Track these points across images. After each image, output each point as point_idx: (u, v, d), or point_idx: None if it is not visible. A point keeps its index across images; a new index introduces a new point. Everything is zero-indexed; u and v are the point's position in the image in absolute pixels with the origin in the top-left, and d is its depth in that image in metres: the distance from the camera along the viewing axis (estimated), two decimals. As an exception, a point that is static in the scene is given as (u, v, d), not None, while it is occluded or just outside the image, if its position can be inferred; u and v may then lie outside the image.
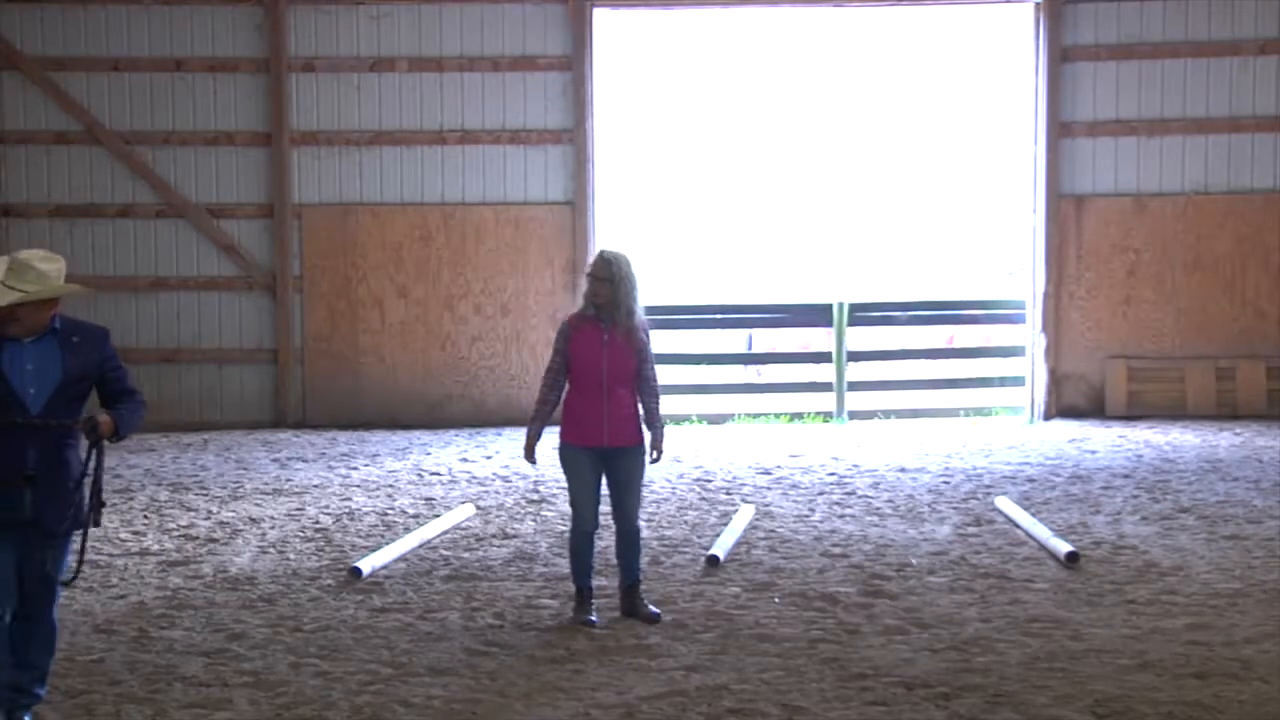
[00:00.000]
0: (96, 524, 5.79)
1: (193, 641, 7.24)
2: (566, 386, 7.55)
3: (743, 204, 24.24)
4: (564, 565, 8.62)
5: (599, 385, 7.36)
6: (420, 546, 9.28)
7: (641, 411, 7.54)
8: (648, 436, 7.58)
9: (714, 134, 23.41)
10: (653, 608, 7.58)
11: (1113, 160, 15.41)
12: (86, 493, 5.74)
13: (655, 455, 7.60)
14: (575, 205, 15.54)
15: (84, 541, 5.89)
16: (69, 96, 15.56)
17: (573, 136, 15.49)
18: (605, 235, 15.84)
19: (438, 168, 15.64)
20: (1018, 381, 15.90)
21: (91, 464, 5.70)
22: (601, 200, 15.86)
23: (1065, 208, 15.44)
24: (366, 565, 8.63)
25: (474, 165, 15.64)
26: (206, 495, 11.39)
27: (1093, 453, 13.14)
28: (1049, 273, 15.48)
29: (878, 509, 10.55)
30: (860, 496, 11.07)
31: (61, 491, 5.69)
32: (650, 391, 7.56)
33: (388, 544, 9.31)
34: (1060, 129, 15.35)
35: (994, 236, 20.97)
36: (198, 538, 9.74)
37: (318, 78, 15.59)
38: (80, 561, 5.96)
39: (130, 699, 6.33)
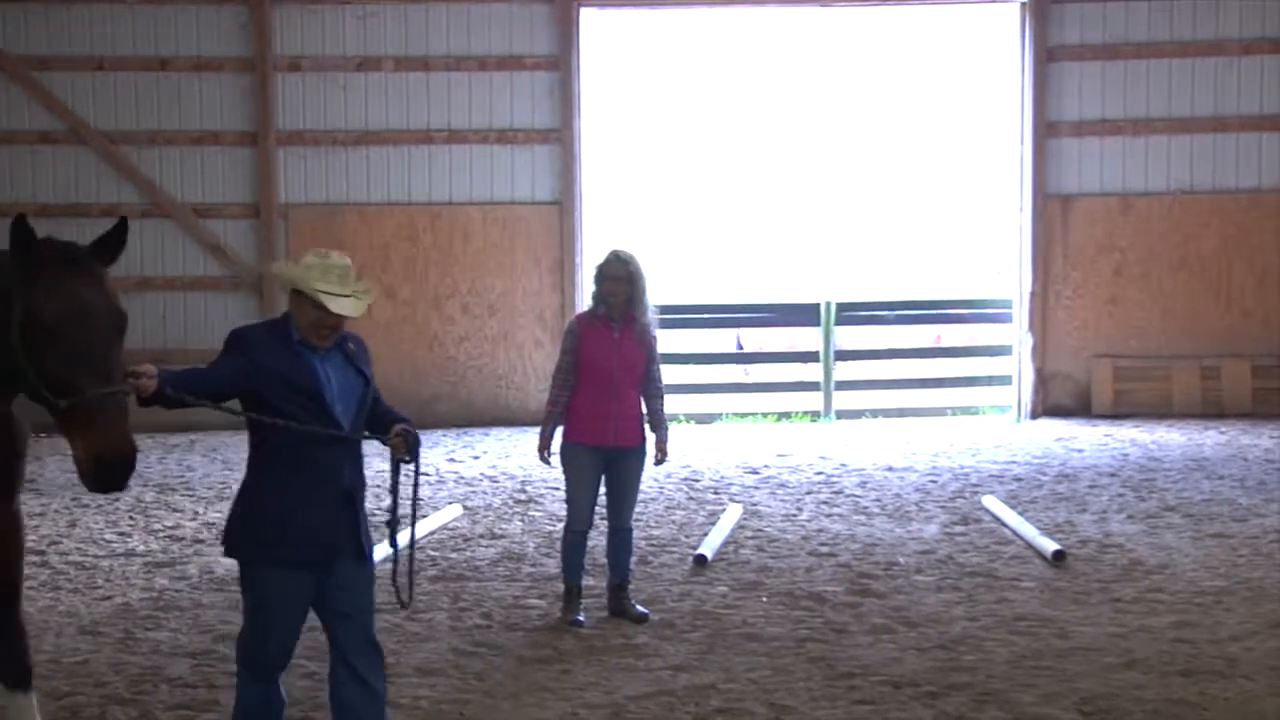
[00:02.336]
0: (393, 545, 5.36)
1: (179, 643, 7.22)
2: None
3: (730, 203, 24.26)
4: (552, 566, 8.62)
5: (609, 385, 7.33)
6: (406, 548, 9.24)
7: (646, 412, 7.53)
8: (650, 438, 7.58)
9: (701, 134, 23.43)
10: (640, 607, 7.58)
11: (1098, 160, 15.46)
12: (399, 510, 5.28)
13: (661, 457, 7.60)
14: (562, 205, 15.53)
15: (411, 564, 5.43)
16: (53, 96, 15.51)
17: (560, 136, 15.48)
18: (592, 235, 15.84)
19: (425, 168, 15.62)
20: (1004, 381, 15.94)
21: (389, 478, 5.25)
22: (589, 200, 15.86)
23: (1051, 207, 15.48)
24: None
25: (461, 165, 15.62)
26: (193, 496, 11.35)
27: (1079, 451, 13.17)
28: (1035, 272, 15.52)
29: (865, 508, 10.56)
30: (848, 495, 11.08)
31: (361, 513, 5.16)
32: (656, 392, 7.56)
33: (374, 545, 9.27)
34: (1046, 129, 15.39)
35: (980, 236, 21.02)
36: (184, 539, 9.71)
37: (304, 77, 15.56)
38: (411, 584, 5.47)
39: (116, 700, 6.30)
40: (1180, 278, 15.45)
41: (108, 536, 9.78)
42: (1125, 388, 15.42)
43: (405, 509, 5.30)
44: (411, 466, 5.20)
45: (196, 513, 10.64)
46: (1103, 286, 15.52)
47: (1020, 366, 15.67)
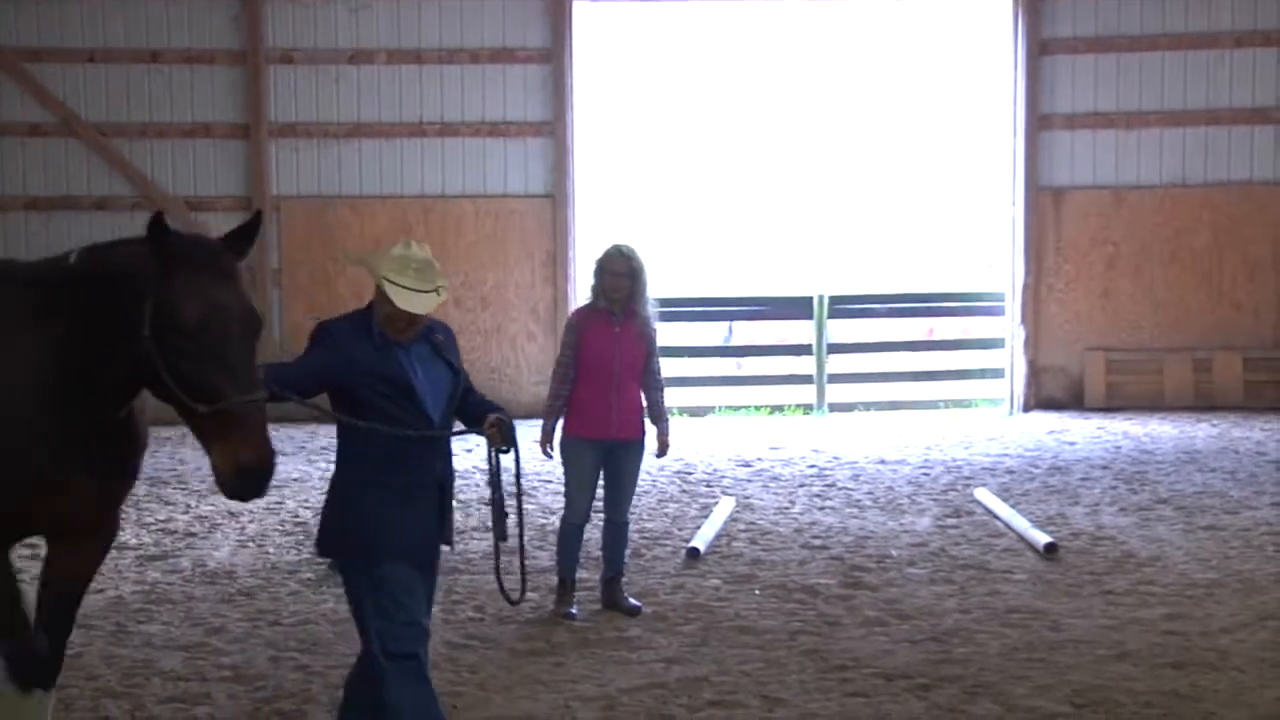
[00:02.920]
0: (503, 537, 5.22)
1: (171, 636, 7.21)
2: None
3: (723, 196, 24.24)
4: (544, 558, 8.61)
5: (610, 379, 7.33)
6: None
7: (646, 405, 7.54)
8: (650, 431, 7.59)
9: (694, 127, 23.40)
10: (633, 600, 7.59)
11: (1091, 153, 15.46)
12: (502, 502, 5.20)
13: (663, 449, 7.61)
14: (555, 198, 15.51)
15: (521, 557, 5.39)
16: (44, 88, 15.45)
17: (553, 129, 15.46)
18: (585, 228, 15.82)
19: (417, 160, 15.60)
20: (997, 374, 15.96)
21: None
22: (582, 193, 15.84)
23: (1044, 200, 15.49)
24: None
25: (454, 158, 15.60)
26: (185, 489, 11.34)
27: (1071, 444, 13.19)
28: (1028, 265, 15.53)
29: (858, 501, 10.57)
30: (840, 489, 11.09)
31: (449, 509, 5.13)
32: (656, 385, 7.57)
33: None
34: (1039, 122, 15.39)
35: (973, 229, 21.03)
36: (176, 532, 9.69)
37: (296, 70, 15.52)
38: (524, 579, 5.40)
39: (108, 694, 6.30)
40: (1172, 271, 15.47)
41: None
42: (1117, 380, 15.45)
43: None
44: (510, 456, 5.08)
45: (189, 506, 10.62)
46: (1095, 279, 15.54)
47: (1012, 359, 15.68)
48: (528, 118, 15.50)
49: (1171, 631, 7.03)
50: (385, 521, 4.83)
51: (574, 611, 7.46)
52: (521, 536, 5.30)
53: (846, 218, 24.38)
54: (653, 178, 23.67)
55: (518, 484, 5.15)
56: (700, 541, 8.99)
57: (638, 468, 7.63)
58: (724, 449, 13.02)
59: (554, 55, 15.39)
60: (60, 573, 4.96)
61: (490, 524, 5.21)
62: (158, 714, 6.06)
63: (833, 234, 24.42)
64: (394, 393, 4.87)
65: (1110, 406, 15.22)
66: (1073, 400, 15.46)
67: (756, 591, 7.96)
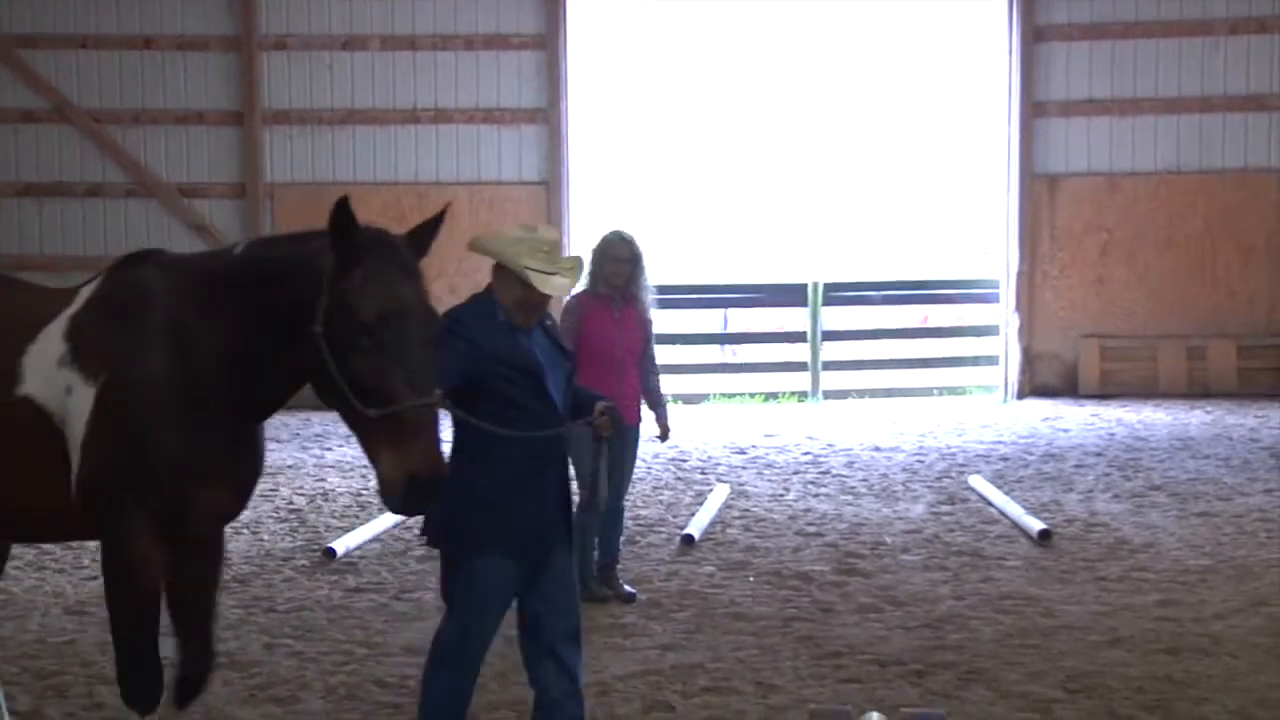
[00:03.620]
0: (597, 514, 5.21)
1: (165, 623, 7.19)
2: None
3: (718, 184, 24.22)
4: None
5: (613, 364, 7.31)
6: (394, 527, 9.25)
7: (643, 390, 7.54)
8: (647, 417, 7.60)
9: (688, 114, 23.37)
10: (628, 587, 7.59)
11: (1085, 140, 15.46)
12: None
13: (664, 434, 7.62)
14: (549, 185, 15.49)
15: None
16: (37, 74, 15.41)
17: (547, 116, 15.44)
18: (580, 215, 15.81)
19: (411, 147, 15.57)
20: (991, 361, 15.97)
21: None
22: (576, 180, 15.82)
23: (1039, 187, 15.49)
24: (340, 546, 8.60)
25: (448, 145, 15.57)
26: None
27: (1065, 431, 13.21)
28: (1022, 252, 15.53)
29: (852, 488, 10.58)
30: (835, 475, 11.10)
31: (570, 499, 5.02)
32: (653, 370, 7.59)
33: (362, 525, 9.28)
34: (1034, 109, 15.38)
35: (968, 216, 21.03)
36: (170, 519, 9.68)
37: (289, 56, 15.48)
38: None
39: (103, 680, 6.29)
40: (1167, 258, 15.48)
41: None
42: (1112, 368, 15.46)
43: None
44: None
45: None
46: (1089, 266, 15.54)
47: (1007, 346, 15.69)
48: (522, 104, 15.48)
49: (1164, 617, 7.05)
50: (495, 509, 4.76)
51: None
52: (611, 523, 5.45)
53: (841, 205, 24.36)
54: (647, 165, 23.64)
55: (597, 469, 5.22)
56: (695, 528, 9.00)
57: (635, 453, 7.64)
58: (719, 436, 13.03)
59: (548, 42, 15.36)
60: (190, 586, 4.70)
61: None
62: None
63: (828, 221, 24.41)
64: (521, 379, 4.76)
65: (1104, 393, 15.24)
66: (1067, 387, 15.48)
67: (751, 578, 7.97)
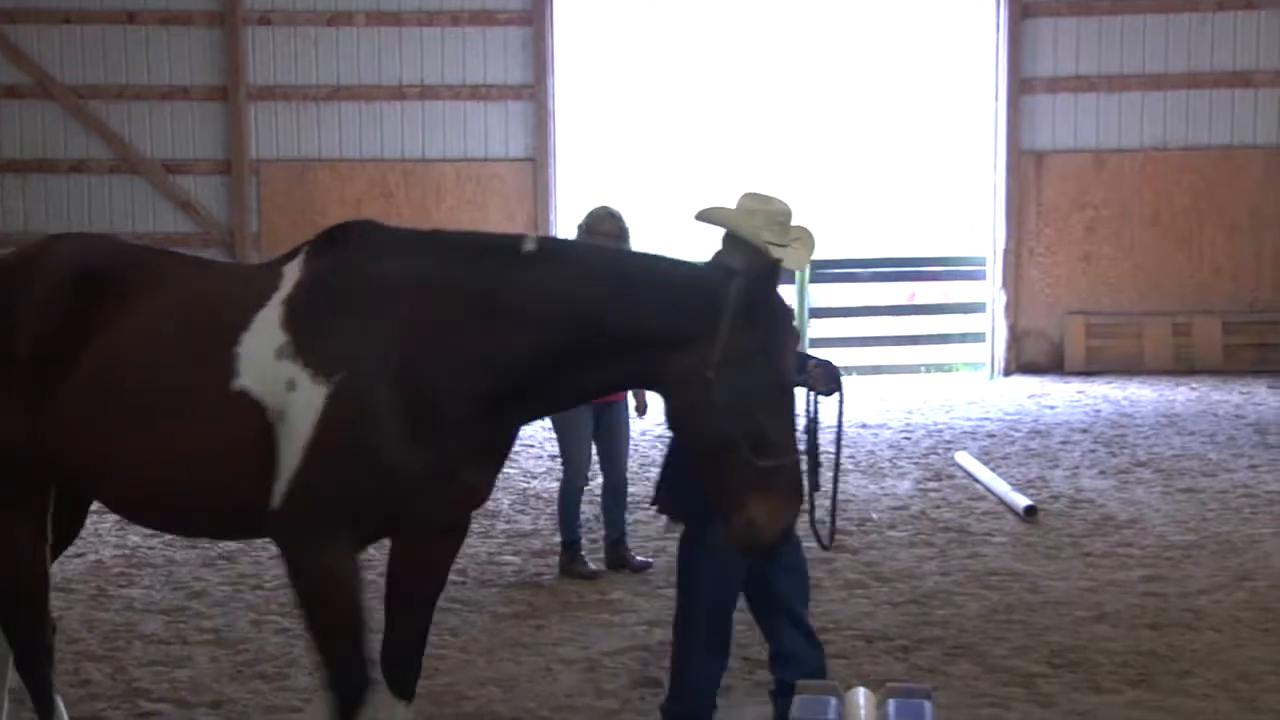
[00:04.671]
0: (817, 487, 4.99)
1: (152, 600, 7.21)
2: None
3: (705, 161, 24.15)
4: (525, 522, 8.63)
5: None
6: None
7: None
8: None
9: (676, 90, 23.30)
10: (641, 557, 7.64)
11: (1072, 116, 15.46)
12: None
13: (641, 409, 7.69)
14: (536, 161, 15.45)
15: (834, 504, 5.34)
16: (19, 49, 15.30)
17: (533, 92, 15.38)
18: (567, 192, 15.77)
19: (397, 124, 15.51)
20: (978, 338, 16.00)
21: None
22: (563, 156, 15.78)
23: (1025, 164, 15.49)
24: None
25: (434, 121, 15.51)
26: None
27: (1052, 408, 13.24)
28: (1009, 229, 15.54)
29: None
30: (821, 452, 11.09)
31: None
32: None
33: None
34: (1021, 85, 15.37)
35: (955, 193, 21.03)
36: (157, 496, 9.66)
37: (274, 31, 15.39)
38: (833, 523, 5.32)
39: (89, 657, 6.29)
40: (1153, 234, 15.50)
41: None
42: (1097, 344, 15.50)
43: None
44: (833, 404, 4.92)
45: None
46: (1076, 243, 15.56)
47: (994, 323, 15.72)
48: (508, 80, 15.42)
49: (1149, 593, 7.09)
50: None
51: (594, 568, 7.50)
52: (836, 484, 5.22)
53: (828, 182, 24.33)
54: (634, 141, 23.58)
55: (839, 430, 4.99)
56: None
57: (627, 427, 7.74)
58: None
59: (535, 17, 15.29)
60: (419, 570, 4.59)
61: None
62: (139, 677, 6.05)
63: (814, 198, 24.40)
64: None
65: (1090, 370, 15.28)
66: (1053, 364, 15.52)
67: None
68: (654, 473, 10.32)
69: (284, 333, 4.15)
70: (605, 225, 7.35)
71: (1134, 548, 8.02)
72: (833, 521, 5.22)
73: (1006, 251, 15.56)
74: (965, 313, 16.45)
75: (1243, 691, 5.67)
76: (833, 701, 5.15)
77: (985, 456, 10.73)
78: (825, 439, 5.12)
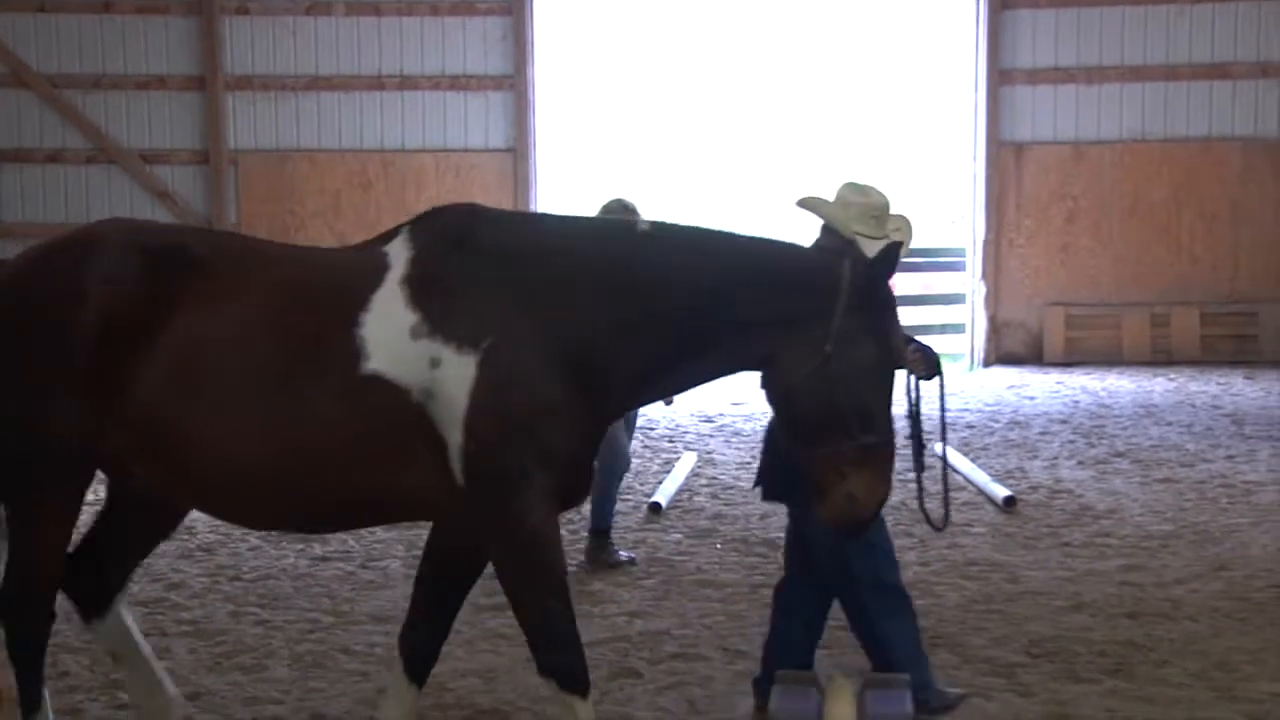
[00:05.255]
0: (923, 468, 5.21)
1: (130, 591, 7.14)
2: None
3: (685, 151, 24.15)
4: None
5: None
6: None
7: None
8: None
9: (656, 80, 23.27)
10: (623, 553, 7.61)
11: (1052, 108, 15.51)
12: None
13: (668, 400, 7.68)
14: (517, 152, 15.42)
15: (945, 485, 5.43)
16: (-6, 39, 15.20)
17: (514, 82, 15.35)
18: (547, 183, 15.74)
19: (376, 114, 15.46)
20: (958, 329, 16.04)
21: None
22: (543, 147, 15.75)
23: (1005, 155, 15.53)
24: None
25: (413, 111, 15.47)
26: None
27: (1031, 399, 13.28)
28: (989, 220, 15.58)
29: (818, 455, 10.62)
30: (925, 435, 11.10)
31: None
32: None
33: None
34: (1000, 77, 15.40)
35: (935, 184, 21.06)
36: (134, 488, 9.62)
37: (252, 21, 15.32)
38: (947, 505, 5.45)
39: (66, 649, 6.25)
40: (1131, 225, 15.56)
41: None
42: (1076, 335, 15.56)
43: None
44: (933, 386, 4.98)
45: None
46: (1055, 234, 15.62)
47: (973, 314, 15.77)
48: (488, 71, 15.38)
49: (1127, 582, 7.11)
50: None
51: (624, 556, 7.49)
52: (945, 467, 5.33)
53: (808, 173, 24.35)
54: (615, 131, 23.55)
55: (941, 412, 5.05)
56: (662, 496, 9.01)
57: (637, 416, 7.82)
58: (686, 404, 13.04)
59: (515, 7, 15.26)
60: (466, 556, 4.61)
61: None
62: (117, 668, 6.02)
63: (795, 189, 24.48)
64: None
65: (1069, 361, 15.34)
66: (1032, 355, 15.57)
67: (718, 545, 7.99)
68: (635, 463, 10.33)
69: (413, 312, 4.09)
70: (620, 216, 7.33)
71: (1112, 538, 8.05)
72: (946, 504, 5.34)
73: (986, 243, 15.60)
74: (945, 304, 16.49)
75: (1220, 680, 5.70)
76: (813, 692, 5.17)
77: (965, 447, 10.75)
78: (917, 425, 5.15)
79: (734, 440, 11.29)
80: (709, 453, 10.73)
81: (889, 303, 4.30)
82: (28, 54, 15.24)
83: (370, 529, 8.37)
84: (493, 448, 4.04)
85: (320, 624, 6.58)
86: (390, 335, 4.07)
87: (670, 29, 21.70)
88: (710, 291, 4.18)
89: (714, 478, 9.82)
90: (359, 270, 4.22)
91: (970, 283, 15.83)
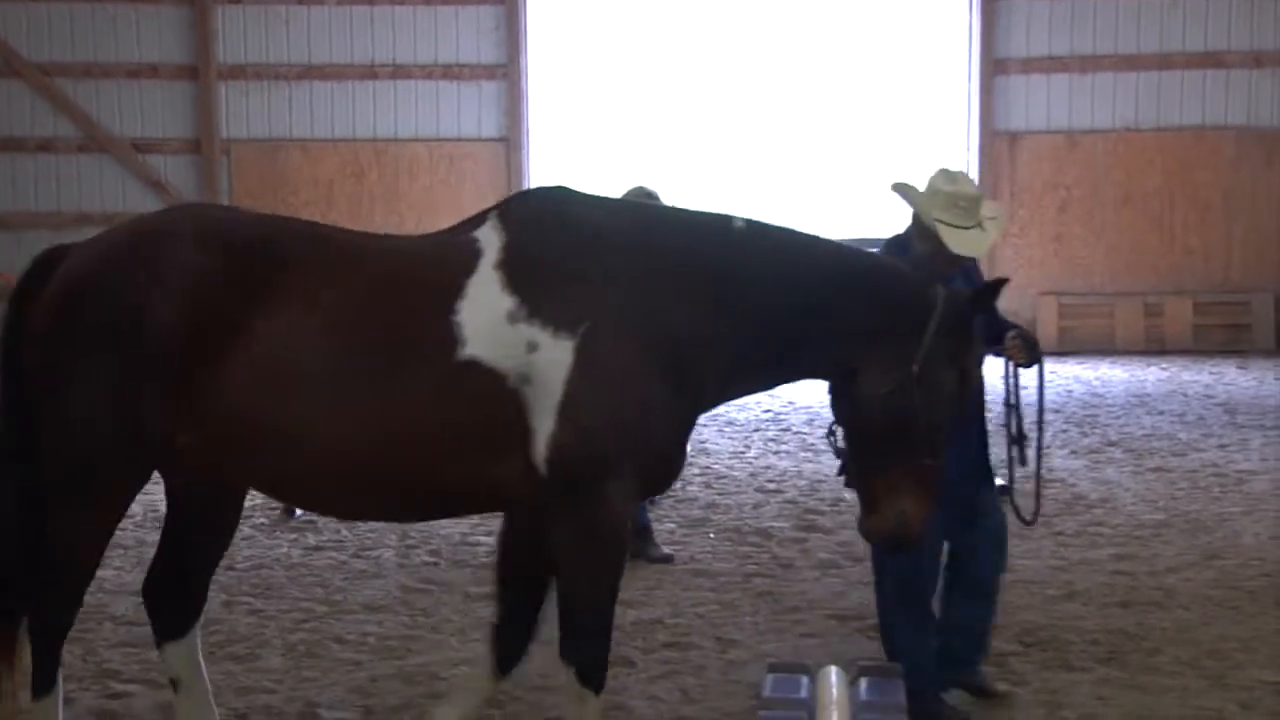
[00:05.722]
0: (1023, 462, 5.13)
1: (123, 581, 7.16)
2: None
3: (677, 142, 24.15)
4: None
5: None
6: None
7: None
8: None
9: (651, 68, 23.26)
10: (665, 549, 7.57)
11: (1045, 97, 15.51)
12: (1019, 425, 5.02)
13: None
14: (510, 141, 15.40)
15: (1038, 478, 5.25)
16: (-15, 27, 15.14)
17: (507, 72, 15.32)
18: (540, 172, 15.72)
19: (369, 103, 15.43)
20: (950, 318, 16.05)
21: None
22: (537, 136, 15.73)
23: (998, 145, 15.53)
24: (300, 504, 8.55)
25: (406, 101, 15.44)
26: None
27: (1023, 388, 13.26)
28: (982, 210, 15.59)
29: (812, 445, 10.62)
30: (795, 433, 11.13)
31: (985, 433, 5.09)
32: None
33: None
34: (994, 66, 15.40)
35: (928, 173, 21.03)
36: (127, 478, 9.60)
37: (244, 9, 15.28)
38: (1038, 499, 5.32)
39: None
40: (1124, 215, 15.57)
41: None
42: (1069, 324, 15.58)
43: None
44: (1033, 373, 4.89)
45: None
46: (1048, 224, 15.62)
47: (966, 304, 15.78)
48: (481, 60, 15.36)
49: (1119, 571, 7.13)
50: None
51: (666, 552, 7.45)
52: (1040, 458, 5.19)
53: (800, 162, 24.34)
54: (608, 121, 23.54)
55: (1039, 403, 4.98)
56: None
57: None
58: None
59: (508, -5, 15.23)
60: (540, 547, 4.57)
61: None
62: (109, 659, 6.02)
63: (785, 178, 24.41)
64: None
65: (1062, 350, 15.35)
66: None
67: (711, 535, 7.99)
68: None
69: (510, 296, 4.05)
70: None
71: (1104, 527, 8.07)
72: (1037, 499, 5.23)
73: (979, 232, 15.61)
74: (938, 293, 16.49)
75: (1211, 669, 5.71)
76: (804, 680, 5.18)
77: (958, 436, 10.76)
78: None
79: (727, 430, 11.29)
80: (702, 442, 10.73)
81: (973, 338, 4.34)
82: (19, 42, 15.18)
83: (342, 526, 8.37)
84: (584, 436, 4.01)
85: (314, 613, 6.58)
86: (488, 320, 4.04)
87: (663, 17, 21.69)
88: (809, 295, 4.19)
89: (707, 467, 9.82)
90: (451, 257, 4.17)
91: (963, 272, 15.84)
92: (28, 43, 15.22)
